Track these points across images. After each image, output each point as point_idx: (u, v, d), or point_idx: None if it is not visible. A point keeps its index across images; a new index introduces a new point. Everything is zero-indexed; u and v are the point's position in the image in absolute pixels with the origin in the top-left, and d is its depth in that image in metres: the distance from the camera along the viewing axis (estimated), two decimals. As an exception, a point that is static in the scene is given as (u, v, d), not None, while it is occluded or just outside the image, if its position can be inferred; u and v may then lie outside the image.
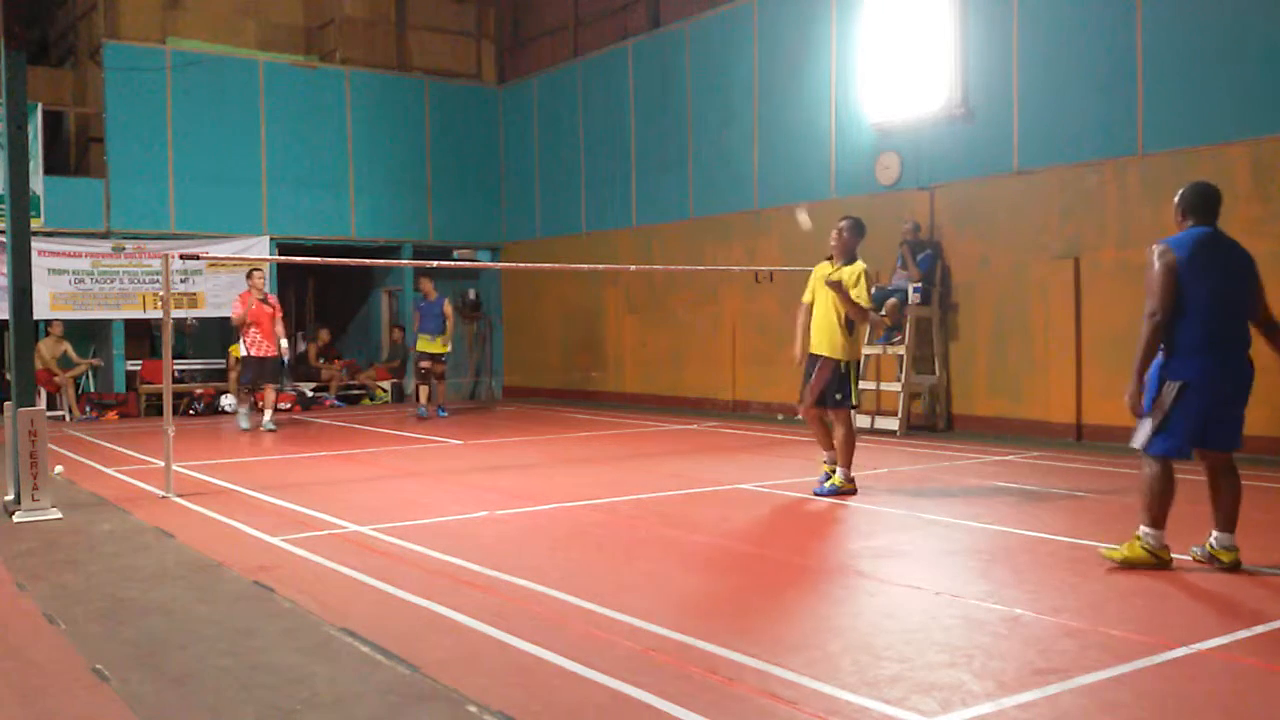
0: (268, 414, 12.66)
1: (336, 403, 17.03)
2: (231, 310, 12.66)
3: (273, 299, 12.80)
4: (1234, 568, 5.15)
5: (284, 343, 12.59)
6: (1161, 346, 5.10)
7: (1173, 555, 5.19)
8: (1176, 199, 5.31)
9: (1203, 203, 5.21)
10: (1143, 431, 5.14)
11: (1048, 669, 3.69)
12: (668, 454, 10.15)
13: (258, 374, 12.60)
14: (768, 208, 13.80)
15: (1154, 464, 5.14)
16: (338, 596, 4.78)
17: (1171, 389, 5.03)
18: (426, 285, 14.26)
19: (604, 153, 16.53)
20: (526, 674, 3.71)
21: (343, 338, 18.87)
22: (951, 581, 4.96)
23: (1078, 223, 10.48)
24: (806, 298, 7.58)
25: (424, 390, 14.38)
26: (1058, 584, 4.89)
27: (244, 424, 12.78)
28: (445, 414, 14.54)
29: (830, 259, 7.54)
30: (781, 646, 3.98)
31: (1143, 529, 5.18)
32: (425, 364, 14.22)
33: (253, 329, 12.41)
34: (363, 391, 17.45)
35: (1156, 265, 5.04)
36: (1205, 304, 5.01)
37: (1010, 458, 9.37)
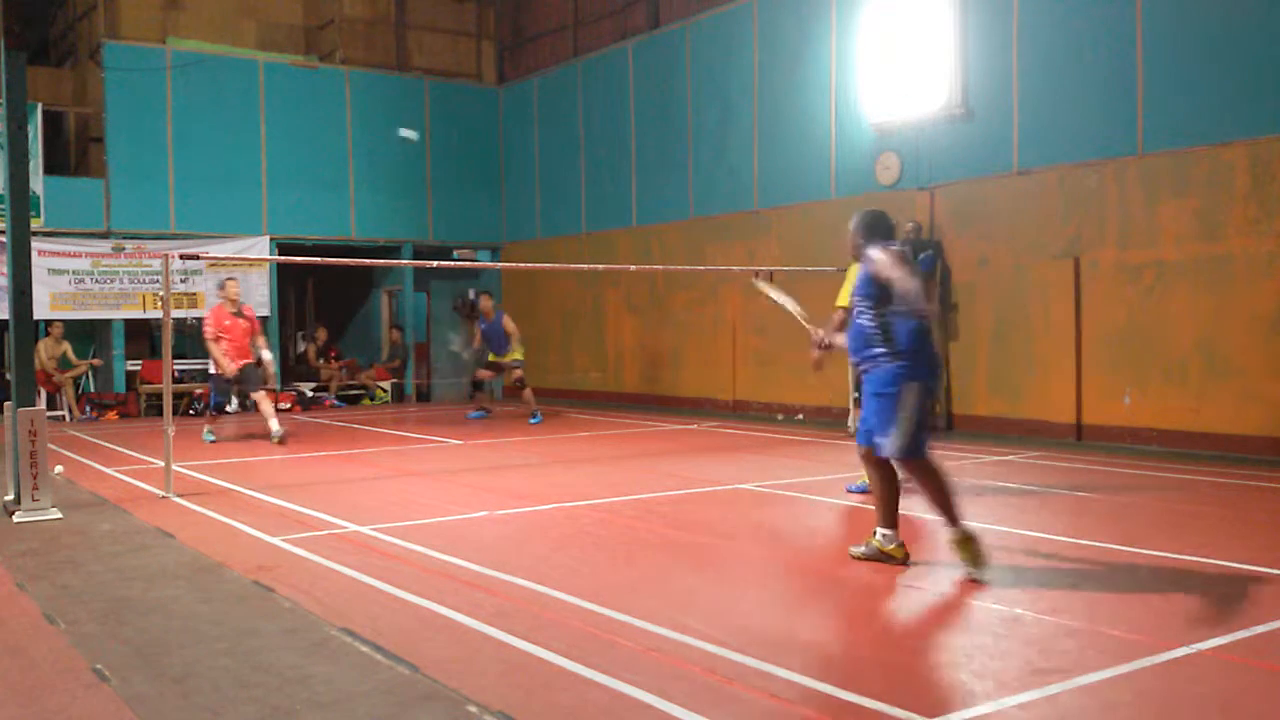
0: (273, 423, 11.02)
1: (336, 403, 17.04)
2: (204, 327, 11.06)
3: (249, 310, 11.27)
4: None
5: (266, 354, 11.16)
6: (884, 348, 5.13)
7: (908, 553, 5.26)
8: (854, 228, 5.44)
9: (882, 227, 5.41)
10: (897, 441, 5.01)
11: (1048, 669, 3.69)
12: (668, 454, 10.14)
13: (239, 386, 11.28)
14: (768, 208, 13.80)
15: (926, 466, 5.05)
16: (338, 596, 4.78)
17: (912, 389, 5.03)
18: (486, 304, 13.98)
19: (604, 153, 16.53)
20: (526, 674, 3.71)
21: (343, 338, 18.86)
22: (951, 581, 4.96)
23: (1078, 223, 10.48)
24: (841, 300, 6.87)
25: (479, 394, 14.65)
26: (1058, 584, 4.89)
27: (209, 438, 11.22)
28: (483, 415, 14.11)
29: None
30: (781, 646, 3.98)
31: (882, 531, 5.22)
32: (488, 374, 14.28)
33: (225, 344, 10.89)
34: (363, 391, 17.45)
35: (891, 260, 5.05)
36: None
37: (1010, 458, 9.36)
